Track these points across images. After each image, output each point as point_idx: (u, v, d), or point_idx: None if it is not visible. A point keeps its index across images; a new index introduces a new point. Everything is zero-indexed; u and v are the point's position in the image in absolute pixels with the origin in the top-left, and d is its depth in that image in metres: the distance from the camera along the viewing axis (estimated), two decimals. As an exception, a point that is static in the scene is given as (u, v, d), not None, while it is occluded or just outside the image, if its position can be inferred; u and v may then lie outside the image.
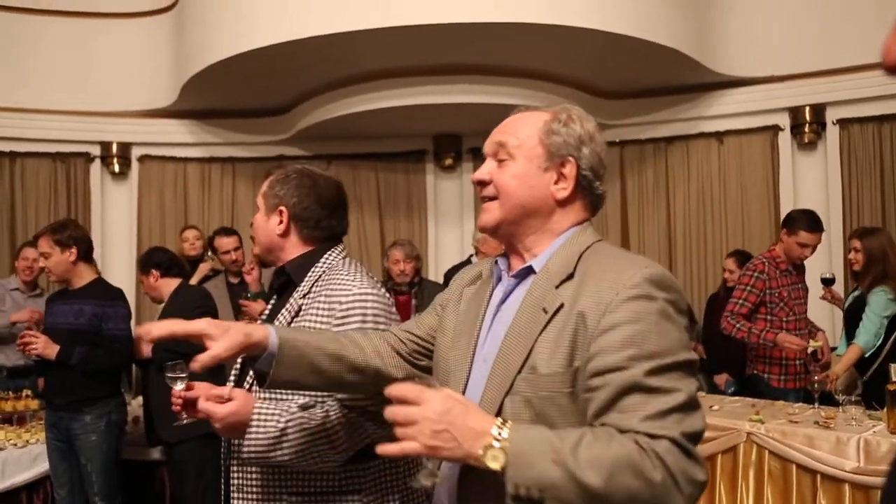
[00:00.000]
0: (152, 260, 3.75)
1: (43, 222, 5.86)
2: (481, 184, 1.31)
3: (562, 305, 1.17)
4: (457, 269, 4.72)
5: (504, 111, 1.37)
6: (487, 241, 4.41)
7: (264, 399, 1.67)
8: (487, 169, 1.31)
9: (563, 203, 1.27)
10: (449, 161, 6.70)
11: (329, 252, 1.86)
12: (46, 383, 3.70)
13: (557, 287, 1.20)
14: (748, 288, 3.92)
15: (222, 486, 1.84)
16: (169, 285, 3.69)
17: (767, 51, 5.83)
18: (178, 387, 1.78)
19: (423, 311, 4.87)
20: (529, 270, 1.27)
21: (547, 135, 1.27)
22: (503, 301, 1.29)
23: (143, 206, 6.65)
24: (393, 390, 1.11)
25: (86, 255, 3.61)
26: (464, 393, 1.26)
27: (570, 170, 1.27)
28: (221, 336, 1.32)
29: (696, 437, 1.08)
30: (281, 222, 1.85)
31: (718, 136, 6.13)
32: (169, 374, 1.82)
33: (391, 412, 1.09)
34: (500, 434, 1.04)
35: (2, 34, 6.23)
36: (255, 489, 1.73)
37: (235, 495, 1.76)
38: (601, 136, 1.31)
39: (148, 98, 6.46)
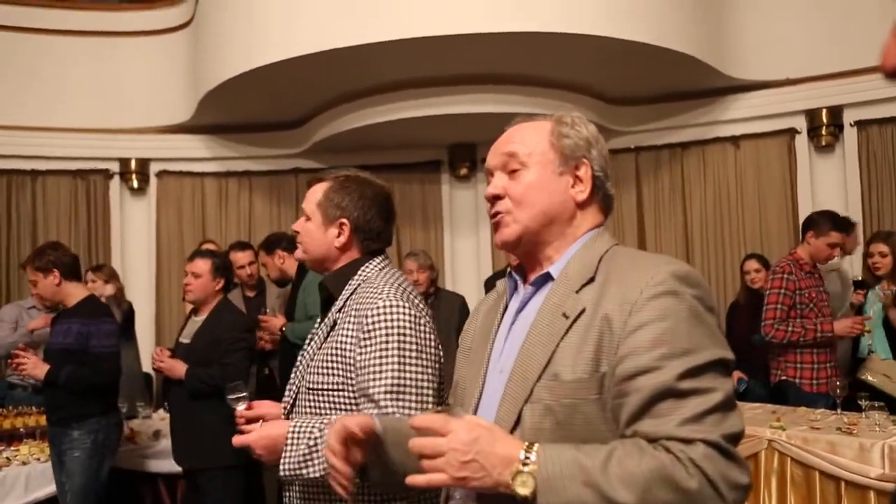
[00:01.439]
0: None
1: (64, 239, 5.95)
2: (495, 198, 1.27)
3: (584, 310, 1.13)
4: (496, 277, 4.74)
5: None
6: None
7: (303, 416, 1.65)
8: (501, 183, 1.27)
9: (582, 206, 1.25)
10: (464, 171, 6.72)
11: (367, 264, 1.79)
12: (44, 400, 3.73)
13: (578, 291, 1.16)
14: (782, 291, 3.90)
15: None
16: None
17: (782, 54, 5.80)
18: (241, 407, 1.84)
19: (439, 320, 4.81)
20: (547, 277, 1.23)
21: (558, 139, 1.25)
22: (520, 311, 1.26)
23: (162, 220, 6.72)
24: (416, 421, 1.09)
25: (71, 274, 3.58)
26: (477, 406, 1.23)
27: (586, 171, 1.25)
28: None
29: (736, 439, 1.03)
30: (340, 234, 1.78)
31: (734, 140, 6.09)
32: (230, 396, 1.87)
33: (417, 444, 1.07)
34: (527, 458, 1.01)
35: (21, 55, 6.34)
36: None
37: None
38: (602, 138, 1.31)
39: (165, 114, 6.54)
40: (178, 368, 3.41)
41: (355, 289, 1.73)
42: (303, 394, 1.72)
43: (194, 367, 3.39)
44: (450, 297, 4.75)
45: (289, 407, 1.77)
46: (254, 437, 1.59)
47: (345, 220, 1.78)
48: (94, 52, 6.51)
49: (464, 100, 5.53)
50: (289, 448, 1.57)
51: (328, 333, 1.71)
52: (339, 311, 1.72)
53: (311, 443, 1.55)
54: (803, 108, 5.84)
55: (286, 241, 4.33)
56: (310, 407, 1.69)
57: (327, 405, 1.66)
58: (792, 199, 5.88)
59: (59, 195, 6.50)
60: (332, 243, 1.79)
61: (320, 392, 1.67)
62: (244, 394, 1.85)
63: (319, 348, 1.72)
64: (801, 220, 4.41)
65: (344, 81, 5.47)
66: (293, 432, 1.58)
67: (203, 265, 3.55)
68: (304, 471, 1.56)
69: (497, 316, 1.31)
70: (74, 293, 3.58)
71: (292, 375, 1.79)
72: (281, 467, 1.58)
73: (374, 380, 1.58)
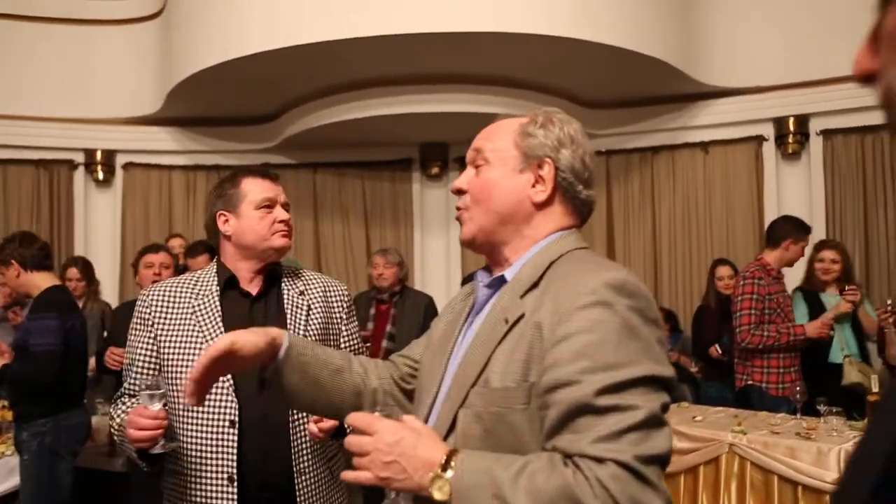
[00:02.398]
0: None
1: (25, 228, 5.81)
2: (459, 193, 1.28)
3: (522, 315, 1.11)
4: (472, 277, 4.71)
5: (490, 120, 1.34)
6: None
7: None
8: (465, 177, 1.27)
9: (541, 206, 1.22)
10: (435, 170, 6.71)
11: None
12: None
13: (522, 296, 1.14)
14: (753, 296, 3.95)
15: None
16: None
17: (752, 61, 5.87)
18: (156, 407, 1.63)
19: (402, 319, 4.79)
20: (502, 280, 1.22)
21: (522, 137, 1.23)
22: (478, 312, 1.25)
23: (128, 213, 6.61)
24: (348, 419, 1.11)
25: (34, 265, 3.41)
26: (432, 405, 1.23)
27: (548, 171, 1.21)
28: (248, 338, 1.27)
29: (656, 460, 0.98)
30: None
31: (703, 146, 6.16)
32: (146, 393, 1.63)
33: (347, 441, 1.10)
34: (447, 464, 1.02)
35: (-15, 40, 6.19)
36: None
37: None
38: (587, 141, 1.27)
39: (133, 105, 6.42)
40: None
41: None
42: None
43: None
44: (416, 297, 4.73)
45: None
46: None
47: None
48: (63, 39, 6.37)
49: (436, 99, 5.52)
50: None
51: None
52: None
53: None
54: (771, 115, 5.92)
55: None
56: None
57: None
58: (758, 206, 5.97)
59: (21, 185, 6.36)
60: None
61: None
62: (162, 391, 1.64)
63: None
64: (766, 225, 4.46)
65: (316, 77, 5.42)
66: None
67: (170, 259, 3.55)
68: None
69: (462, 316, 1.30)
70: (40, 284, 3.41)
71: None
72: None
73: None
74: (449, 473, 1.01)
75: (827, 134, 5.77)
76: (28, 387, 3.29)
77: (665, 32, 5.37)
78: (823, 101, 5.67)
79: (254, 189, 1.93)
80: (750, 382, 4.01)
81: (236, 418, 1.79)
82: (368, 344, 4.51)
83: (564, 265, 1.16)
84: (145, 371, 1.88)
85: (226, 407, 1.80)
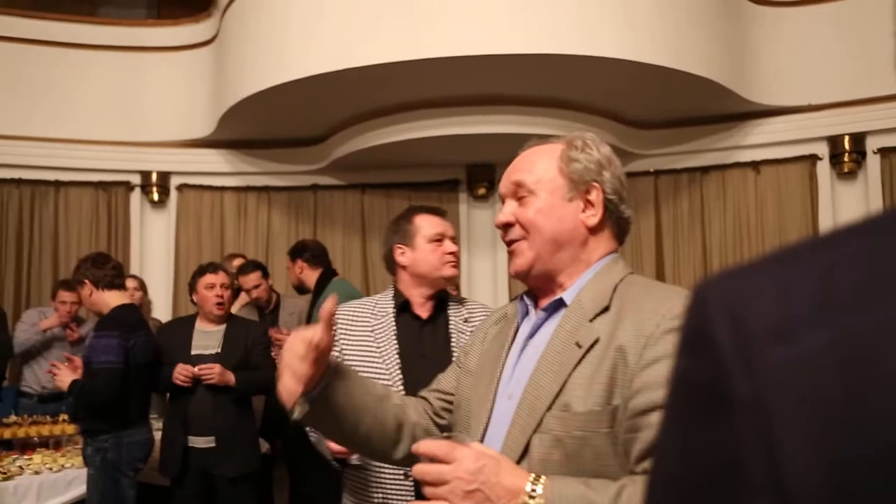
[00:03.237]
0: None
1: (85, 250, 5.99)
2: (506, 226, 1.26)
3: (598, 340, 1.11)
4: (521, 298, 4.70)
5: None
6: None
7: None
8: (510, 210, 1.26)
9: (594, 231, 1.23)
10: (482, 191, 6.71)
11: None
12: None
13: (592, 320, 1.14)
14: None
15: None
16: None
17: (804, 79, 5.76)
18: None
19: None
20: (560, 303, 1.21)
21: (567, 163, 1.23)
22: (531, 336, 1.24)
23: (181, 233, 6.77)
24: (421, 447, 1.07)
25: (106, 284, 3.53)
26: (485, 432, 1.21)
27: (597, 195, 1.23)
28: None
29: None
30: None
31: (755, 165, 6.04)
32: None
33: (420, 470, 1.05)
34: (534, 490, 0.99)
35: (47, 68, 6.45)
36: None
37: None
38: (617, 159, 1.28)
39: (187, 129, 6.61)
40: (229, 376, 3.59)
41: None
42: None
43: (241, 372, 3.65)
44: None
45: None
46: None
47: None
48: (120, 66, 6.60)
49: (482, 120, 5.54)
50: None
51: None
52: None
53: None
54: (825, 134, 5.79)
55: (309, 253, 4.38)
56: None
57: None
58: (813, 226, 5.81)
59: (81, 206, 6.58)
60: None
61: None
62: None
63: None
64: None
65: (363, 100, 5.50)
66: None
67: (229, 279, 3.81)
68: None
69: (507, 340, 1.28)
70: (110, 302, 3.53)
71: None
72: None
73: None
74: (536, 500, 0.99)
75: (885, 152, 5.61)
76: (90, 403, 3.37)
77: (712, 50, 5.31)
78: (880, 119, 5.53)
79: (426, 225, 2.17)
80: None
81: None
82: None
83: (630, 289, 1.17)
84: None
85: None
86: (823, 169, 5.86)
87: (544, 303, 1.25)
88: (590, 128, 5.65)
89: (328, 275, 4.34)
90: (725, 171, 6.18)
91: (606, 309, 1.15)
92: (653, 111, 5.97)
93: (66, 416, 4.08)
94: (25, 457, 3.79)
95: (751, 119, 6.03)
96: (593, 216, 1.23)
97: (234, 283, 4.28)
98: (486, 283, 6.76)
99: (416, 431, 1.36)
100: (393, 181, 6.77)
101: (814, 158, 5.86)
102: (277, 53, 5.29)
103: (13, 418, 4.13)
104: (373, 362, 2.03)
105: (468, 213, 6.86)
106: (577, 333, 1.14)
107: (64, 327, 4.85)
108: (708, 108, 5.89)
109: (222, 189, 6.84)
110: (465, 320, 2.13)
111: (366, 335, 2.08)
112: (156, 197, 6.76)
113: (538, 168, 1.25)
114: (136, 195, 6.77)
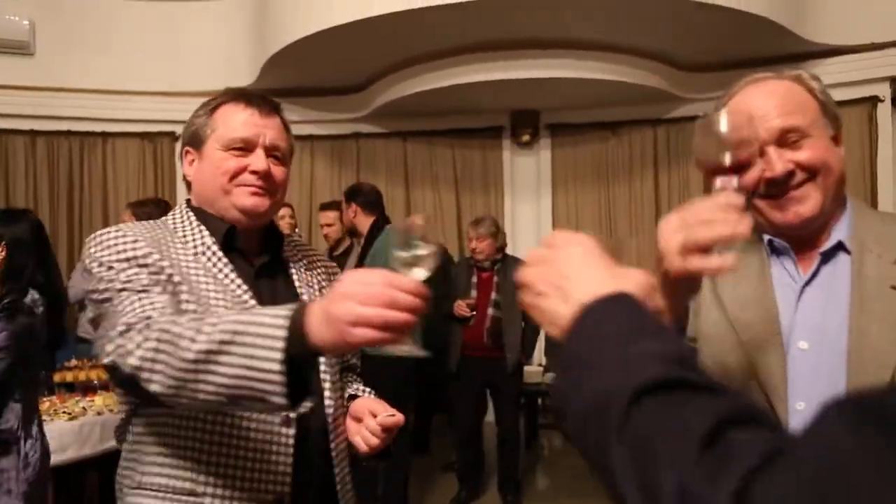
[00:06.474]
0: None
1: (133, 198, 6.10)
2: (791, 174, 1.15)
3: None
4: None
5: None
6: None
7: None
8: (789, 156, 1.15)
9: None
10: (526, 137, 6.62)
11: None
12: None
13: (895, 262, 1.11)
14: None
15: None
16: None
17: (865, 16, 5.50)
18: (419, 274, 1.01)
19: (505, 286, 4.69)
20: (839, 247, 1.16)
21: (824, 101, 1.19)
22: (808, 283, 1.17)
23: (226, 183, 6.82)
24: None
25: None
26: (787, 386, 1.14)
27: (840, 130, 1.20)
28: None
29: None
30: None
31: (811, 108, 5.83)
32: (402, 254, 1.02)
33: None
34: None
35: (93, 20, 6.46)
36: None
37: None
38: None
39: (230, 78, 6.57)
40: None
41: None
42: None
43: None
44: (518, 264, 4.70)
45: None
46: None
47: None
48: (161, 16, 6.59)
49: (527, 65, 5.42)
50: None
51: None
52: None
53: None
54: (887, 74, 5.54)
55: (363, 198, 4.35)
56: None
57: None
58: (870, 172, 5.62)
59: (128, 157, 6.67)
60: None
61: None
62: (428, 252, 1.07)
63: None
64: (881, 191, 4.20)
65: (406, 46, 5.41)
66: None
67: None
68: None
69: (767, 282, 1.20)
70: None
71: None
72: None
73: None
74: None
75: (950, 93, 5.37)
76: None
77: (771, -12, 5.08)
78: (948, 58, 5.27)
79: (231, 120, 1.40)
80: None
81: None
82: (474, 312, 4.54)
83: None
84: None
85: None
86: (884, 111, 5.62)
87: (801, 247, 1.19)
88: (638, 71, 5.49)
89: (381, 222, 4.29)
90: (779, 114, 5.97)
91: None
92: (704, 53, 5.77)
93: (94, 363, 4.18)
94: (87, 398, 3.92)
95: (808, 59, 5.78)
96: (842, 149, 1.20)
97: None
98: (529, 229, 6.72)
99: None
100: (436, 128, 6.70)
101: (875, 100, 5.63)
102: (318, 0, 5.21)
103: (74, 362, 4.26)
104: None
105: (511, 160, 6.79)
106: (889, 277, 1.10)
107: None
108: (763, 49, 5.66)
109: (265, 138, 6.84)
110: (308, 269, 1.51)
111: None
112: (200, 146, 6.79)
113: (805, 109, 1.18)
114: (180, 145, 6.81)
